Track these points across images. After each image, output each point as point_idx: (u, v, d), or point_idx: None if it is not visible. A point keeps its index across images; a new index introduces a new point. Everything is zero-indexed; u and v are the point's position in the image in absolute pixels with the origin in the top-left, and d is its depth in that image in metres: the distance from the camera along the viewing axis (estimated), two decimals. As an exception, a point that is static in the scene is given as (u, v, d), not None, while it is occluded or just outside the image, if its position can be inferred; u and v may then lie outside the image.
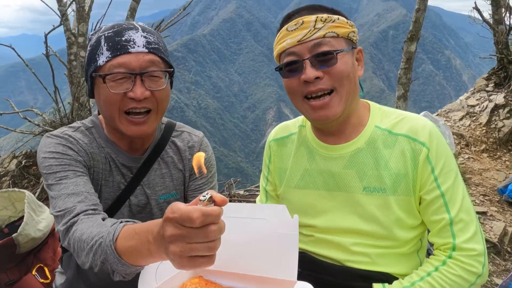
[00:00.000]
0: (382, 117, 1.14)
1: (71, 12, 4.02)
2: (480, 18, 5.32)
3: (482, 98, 4.82)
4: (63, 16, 3.74)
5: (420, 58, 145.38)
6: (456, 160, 4.15)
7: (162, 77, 1.08)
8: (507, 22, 5.13)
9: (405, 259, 1.12)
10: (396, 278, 1.09)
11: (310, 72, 1.03)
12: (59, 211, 0.98)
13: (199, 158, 0.70)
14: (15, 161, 3.21)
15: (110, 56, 1.03)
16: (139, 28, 1.08)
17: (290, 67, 1.07)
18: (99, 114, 1.22)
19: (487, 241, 2.92)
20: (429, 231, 1.15)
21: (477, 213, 3.25)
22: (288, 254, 0.89)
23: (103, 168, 1.15)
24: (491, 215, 3.26)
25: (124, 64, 1.02)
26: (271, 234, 0.90)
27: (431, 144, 1.06)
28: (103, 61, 1.04)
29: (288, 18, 1.11)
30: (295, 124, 1.28)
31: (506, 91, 4.79)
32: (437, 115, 5.03)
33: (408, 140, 1.08)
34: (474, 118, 4.65)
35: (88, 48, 1.10)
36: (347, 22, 1.09)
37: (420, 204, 1.09)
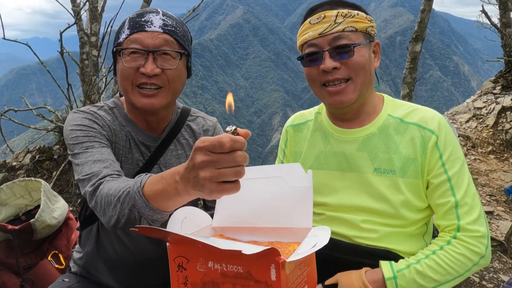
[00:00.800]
0: (395, 107, 1.21)
1: (83, 12, 4.12)
2: (488, 22, 5.35)
3: (489, 100, 4.83)
4: (77, 15, 3.84)
5: (428, 64, 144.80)
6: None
7: (176, 58, 1.13)
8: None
9: (411, 239, 1.16)
10: (401, 257, 1.13)
11: (328, 62, 1.11)
12: (86, 175, 1.02)
13: (230, 99, 0.76)
14: (29, 155, 3.29)
15: (129, 33, 1.11)
16: (160, 12, 1.15)
17: (311, 57, 1.14)
18: (121, 96, 1.28)
19: (493, 239, 2.94)
20: (434, 219, 1.20)
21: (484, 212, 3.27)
22: (304, 205, 0.94)
23: (124, 145, 1.20)
24: (497, 215, 3.27)
25: (138, 40, 1.09)
26: (287, 189, 0.95)
27: (440, 132, 1.12)
28: (123, 38, 1.12)
29: (311, 12, 1.18)
30: (311, 112, 1.36)
31: (513, 93, 4.80)
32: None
33: (419, 128, 1.14)
34: (481, 120, 4.65)
35: (120, 26, 1.18)
36: (366, 17, 1.15)
37: (427, 187, 1.13)
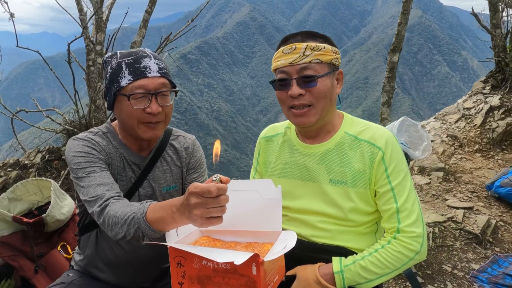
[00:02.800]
0: (351, 125, 1.39)
1: (90, 20, 4.37)
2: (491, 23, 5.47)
3: (479, 100, 4.99)
4: (83, 24, 4.10)
5: (435, 60, 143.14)
6: (449, 160, 4.35)
7: (169, 96, 1.36)
8: (504, 26, 5.29)
9: (361, 237, 1.36)
10: (354, 253, 1.33)
11: (295, 89, 1.29)
12: (92, 197, 1.25)
13: (216, 149, 1.04)
14: (39, 155, 3.56)
15: (132, 79, 1.29)
16: (151, 56, 1.35)
17: (281, 83, 1.32)
18: (112, 121, 1.48)
19: (470, 232, 3.13)
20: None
21: (463, 208, 3.46)
22: (275, 213, 1.19)
23: (118, 165, 1.41)
24: (477, 210, 3.46)
25: (143, 86, 1.30)
26: (261, 200, 1.19)
27: (386, 149, 1.29)
28: (125, 83, 1.29)
29: (285, 41, 1.35)
30: (282, 126, 1.53)
31: (502, 93, 4.95)
32: (435, 118, 5.22)
33: (369, 145, 1.32)
34: (469, 120, 4.82)
35: (109, 70, 1.34)
36: (331, 50, 1.31)
37: (375, 195, 1.32)
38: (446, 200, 3.62)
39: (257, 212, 1.19)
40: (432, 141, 4.66)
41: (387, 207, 1.29)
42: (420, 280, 2.60)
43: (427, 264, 2.78)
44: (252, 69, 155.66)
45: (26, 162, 3.44)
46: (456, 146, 4.48)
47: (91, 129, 1.46)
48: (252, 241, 1.17)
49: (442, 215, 3.33)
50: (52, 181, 2.22)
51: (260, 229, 1.18)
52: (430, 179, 3.98)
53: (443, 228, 3.17)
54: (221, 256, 0.97)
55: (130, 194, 1.43)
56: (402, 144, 2.63)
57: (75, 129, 3.54)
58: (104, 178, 1.29)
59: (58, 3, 4.37)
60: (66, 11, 3.67)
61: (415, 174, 4.14)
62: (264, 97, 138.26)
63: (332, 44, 1.35)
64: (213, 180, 0.96)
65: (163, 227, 1.09)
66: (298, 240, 1.19)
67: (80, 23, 3.98)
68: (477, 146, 4.52)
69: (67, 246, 2.27)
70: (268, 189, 1.19)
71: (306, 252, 1.34)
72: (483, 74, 5.67)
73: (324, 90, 1.29)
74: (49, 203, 2.23)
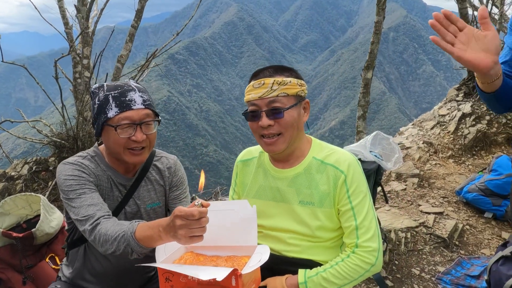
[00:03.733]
0: (319, 150, 1.53)
1: (76, 36, 4.46)
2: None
3: (452, 107, 5.24)
4: (69, 37, 4.19)
5: (420, 59, 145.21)
6: (424, 166, 4.56)
7: (153, 124, 1.50)
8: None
9: (327, 250, 1.52)
10: (320, 265, 1.48)
11: (265, 121, 1.42)
12: (83, 217, 1.38)
13: (201, 183, 1.25)
14: (26, 166, 3.65)
15: (118, 111, 1.43)
16: (136, 89, 1.49)
17: (252, 114, 1.45)
18: (99, 145, 1.61)
19: (438, 237, 3.34)
20: None
21: (434, 213, 3.67)
22: (250, 229, 1.35)
23: (106, 186, 1.54)
24: (446, 214, 3.67)
25: (129, 117, 1.44)
26: (238, 218, 1.35)
27: (348, 172, 1.44)
28: (112, 115, 1.43)
29: (255, 76, 1.48)
30: (257, 150, 1.66)
31: (473, 100, 5.20)
32: (413, 125, 5.45)
33: (333, 168, 1.46)
34: (444, 127, 5.05)
35: (97, 102, 1.48)
36: (297, 83, 1.44)
37: (338, 213, 1.48)
38: (419, 205, 3.82)
39: (235, 228, 1.35)
40: (409, 148, 4.88)
41: (348, 224, 1.45)
42: (389, 283, 2.78)
43: (398, 268, 2.97)
44: (241, 69, 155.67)
45: (13, 173, 3.53)
46: (431, 152, 4.71)
47: (79, 154, 1.59)
48: (232, 255, 1.33)
49: (415, 220, 3.53)
50: (42, 196, 2.33)
51: (238, 244, 1.34)
52: (406, 185, 4.18)
53: (415, 233, 3.36)
54: (204, 273, 1.12)
55: (117, 211, 1.57)
56: (375, 156, 2.82)
57: (63, 141, 3.64)
58: (94, 198, 1.43)
59: (47, 21, 4.44)
60: (52, 26, 3.76)
61: (392, 180, 4.34)
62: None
63: (298, 77, 1.48)
64: (195, 204, 1.14)
65: (150, 243, 1.27)
66: (271, 254, 1.35)
67: (66, 37, 4.07)
68: (450, 152, 4.75)
69: (56, 257, 2.38)
70: (244, 208, 1.36)
71: (278, 265, 1.50)
72: (465, 74, 5.91)
73: (291, 120, 1.43)
74: (37, 216, 2.35)
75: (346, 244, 1.49)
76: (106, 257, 1.60)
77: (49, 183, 3.62)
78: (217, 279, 1.08)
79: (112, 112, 1.44)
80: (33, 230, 2.14)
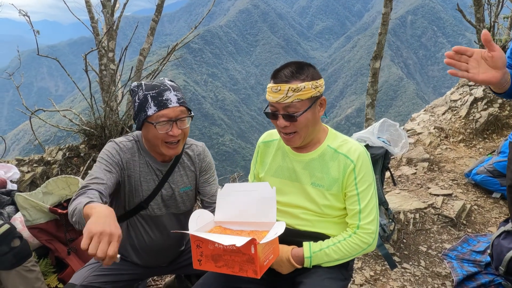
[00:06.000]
0: (333, 139, 1.69)
1: (101, 25, 4.72)
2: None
3: (464, 92, 5.30)
4: (95, 31, 4.45)
5: (439, 43, 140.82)
6: (434, 151, 4.69)
7: (186, 119, 1.69)
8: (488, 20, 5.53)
9: (335, 225, 1.71)
10: (328, 237, 1.69)
11: (281, 122, 1.59)
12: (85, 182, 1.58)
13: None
14: (60, 153, 3.96)
15: (156, 110, 1.62)
16: (171, 88, 1.67)
17: (272, 113, 1.62)
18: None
19: (446, 217, 3.50)
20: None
21: (443, 195, 3.82)
22: (270, 208, 1.57)
23: (142, 169, 1.74)
24: (455, 196, 3.82)
25: (166, 115, 1.63)
26: (260, 198, 1.57)
27: (357, 162, 1.60)
28: (151, 113, 1.62)
29: (275, 76, 1.59)
30: (277, 134, 1.77)
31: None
32: (424, 111, 5.54)
33: (345, 157, 1.62)
34: (455, 112, 5.14)
35: (137, 100, 1.67)
36: (311, 87, 1.55)
37: (345, 196, 1.64)
38: (428, 188, 3.98)
39: (257, 206, 1.58)
40: (420, 133, 5.00)
41: (352, 207, 1.64)
42: (397, 259, 2.98)
43: (405, 246, 3.16)
44: (256, 57, 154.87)
45: (49, 158, 3.85)
46: (442, 137, 4.82)
47: (129, 135, 1.82)
48: (254, 230, 1.56)
49: (424, 202, 3.70)
50: (79, 179, 2.62)
51: (260, 220, 1.57)
52: (416, 169, 4.33)
53: (423, 214, 3.54)
54: (227, 240, 1.35)
55: (154, 194, 1.80)
56: (383, 141, 3.01)
57: (92, 130, 3.93)
58: (103, 174, 1.60)
59: (71, 11, 4.72)
60: (79, 19, 4.02)
61: (403, 165, 4.50)
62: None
63: (314, 77, 1.58)
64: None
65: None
66: (286, 228, 1.57)
67: (92, 31, 4.34)
68: (461, 136, 4.85)
69: (93, 232, 2.68)
70: (265, 189, 1.59)
71: (291, 237, 1.71)
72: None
73: (304, 122, 1.58)
74: (75, 196, 2.64)
75: (348, 224, 1.69)
76: (146, 233, 1.85)
77: (81, 168, 3.93)
78: (236, 245, 1.30)
79: (151, 110, 1.63)
80: (74, 206, 2.42)
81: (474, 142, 4.80)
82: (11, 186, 3.06)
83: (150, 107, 1.64)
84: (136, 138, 1.80)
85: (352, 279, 2.48)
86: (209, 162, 1.93)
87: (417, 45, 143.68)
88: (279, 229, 1.45)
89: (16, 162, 3.56)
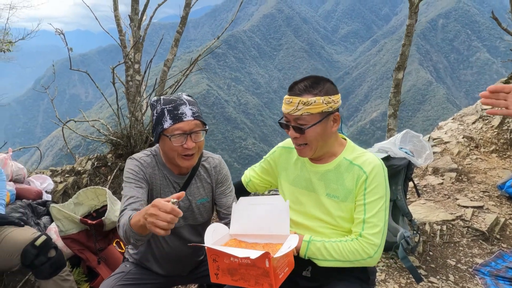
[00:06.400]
0: (350, 152, 1.70)
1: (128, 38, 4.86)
2: None
3: (497, 101, 5.10)
4: (122, 43, 4.59)
5: (474, 46, 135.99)
6: (463, 161, 4.53)
7: (201, 133, 1.72)
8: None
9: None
10: None
11: (291, 133, 1.65)
12: (122, 205, 1.68)
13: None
14: (89, 162, 4.09)
15: (172, 123, 1.67)
16: (187, 103, 1.72)
17: (285, 124, 1.68)
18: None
19: (476, 230, 3.37)
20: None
21: (473, 207, 3.68)
22: (283, 221, 1.57)
23: (161, 182, 1.80)
24: (487, 208, 3.67)
25: (181, 128, 1.68)
26: (273, 210, 1.58)
27: (370, 174, 1.60)
28: (167, 126, 1.68)
29: (291, 88, 1.64)
30: None
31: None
32: (453, 119, 5.37)
33: (359, 169, 1.63)
34: (487, 121, 4.95)
35: (155, 114, 1.73)
36: (323, 102, 1.58)
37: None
38: (457, 199, 3.85)
39: (271, 220, 1.59)
40: (447, 142, 4.85)
41: (357, 216, 1.63)
42: (423, 272, 2.89)
43: (432, 258, 3.07)
44: (279, 62, 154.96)
45: (79, 168, 3.98)
46: (472, 146, 4.66)
47: (146, 150, 1.88)
48: (268, 242, 1.57)
49: (451, 213, 3.58)
50: (107, 190, 2.69)
51: (274, 233, 1.58)
52: (443, 179, 4.20)
53: (451, 226, 3.42)
54: (241, 253, 1.37)
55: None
56: (406, 152, 2.96)
57: (118, 139, 4.04)
58: (136, 192, 1.70)
59: (97, 20, 4.89)
60: (109, 34, 4.16)
61: (429, 174, 4.37)
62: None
63: (328, 93, 1.61)
64: (172, 202, 1.31)
65: (138, 227, 1.42)
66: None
67: (119, 43, 4.47)
68: (493, 147, 4.66)
69: (120, 242, 2.75)
70: (279, 202, 1.59)
71: None
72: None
73: (313, 135, 1.61)
74: (103, 206, 2.72)
75: (352, 232, 1.66)
76: (166, 242, 1.90)
77: (108, 177, 4.04)
78: (250, 257, 1.31)
79: (167, 123, 1.69)
80: (102, 218, 2.49)
81: (508, 153, 4.61)
82: (46, 197, 3.19)
83: (166, 121, 1.69)
84: (154, 153, 1.86)
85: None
86: (225, 174, 1.95)
87: (448, 49, 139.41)
88: (292, 242, 1.46)
89: (50, 173, 3.71)
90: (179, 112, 1.71)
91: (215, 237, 1.58)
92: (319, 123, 1.61)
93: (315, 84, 1.62)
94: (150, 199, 1.82)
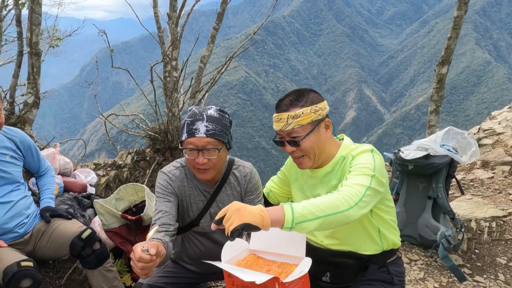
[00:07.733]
0: (346, 148, 1.73)
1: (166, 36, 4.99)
2: None
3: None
4: (161, 40, 4.72)
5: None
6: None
7: (215, 151, 1.72)
8: None
9: (366, 241, 1.73)
10: (360, 255, 1.70)
11: (288, 148, 1.70)
12: (154, 218, 1.79)
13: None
14: (129, 156, 4.30)
15: (186, 136, 1.73)
16: (205, 119, 1.72)
17: (279, 141, 1.72)
18: None
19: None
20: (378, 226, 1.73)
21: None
22: (300, 243, 1.59)
23: (191, 192, 1.88)
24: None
25: (192, 143, 1.72)
26: (292, 235, 1.57)
27: (356, 154, 1.62)
28: (183, 138, 1.75)
29: (277, 106, 1.69)
30: None
31: None
32: (509, 108, 5.02)
33: (351, 156, 1.65)
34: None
35: (183, 124, 1.77)
36: (310, 111, 1.61)
37: None
38: (509, 194, 3.63)
39: (289, 240, 1.62)
40: (500, 133, 4.57)
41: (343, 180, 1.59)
42: (467, 271, 2.76)
43: (478, 257, 2.92)
44: (319, 47, 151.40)
45: (120, 162, 4.20)
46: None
47: (175, 162, 1.96)
48: (285, 262, 1.60)
49: (503, 209, 3.38)
50: (145, 187, 2.84)
51: (290, 253, 1.61)
52: (494, 173, 3.98)
53: (502, 223, 3.23)
54: (248, 276, 1.40)
55: (203, 213, 1.94)
56: (448, 150, 2.87)
57: (156, 135, 4.21)
58: (166, 207, 1.79)
59: (134, 10, 5.04)
60: (151, 34, 4.30)
61: (477, 168, 4.16)
62: (331, 76, 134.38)
63: (313, 102, 1.64)
64: (142, 249, 1.39)
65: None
66: (316, 249, 1.68)
67: (158, 40, 4.60)
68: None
69: (157, 236, 2.91)
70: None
71: (322, 257, 1.78)
72: None
73: (309, 145, 1.65)
74: (142, 201, 2.87)
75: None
76: (201, 244, 2.02)
77: (147, 171, 4.23)
78: (256, 282, 1.34)
79: (183, 136, 1.76)
80: (141, 214, 2.64)
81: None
82: (90, 190, 3.42)
83: (184, 133, 1.76)
84: (184, 164, 1.94)
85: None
86: (255, 183, 1.98)
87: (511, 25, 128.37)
88: (305, 267, 1.46)
89: (94, 166, 3.94)
90: (193, 127, 1.74)
91: (233, 252, 1.63)
92: (312, 132, 1.65)
93: (299, 96, 1.66)
94: (181, 208, 1.92)
